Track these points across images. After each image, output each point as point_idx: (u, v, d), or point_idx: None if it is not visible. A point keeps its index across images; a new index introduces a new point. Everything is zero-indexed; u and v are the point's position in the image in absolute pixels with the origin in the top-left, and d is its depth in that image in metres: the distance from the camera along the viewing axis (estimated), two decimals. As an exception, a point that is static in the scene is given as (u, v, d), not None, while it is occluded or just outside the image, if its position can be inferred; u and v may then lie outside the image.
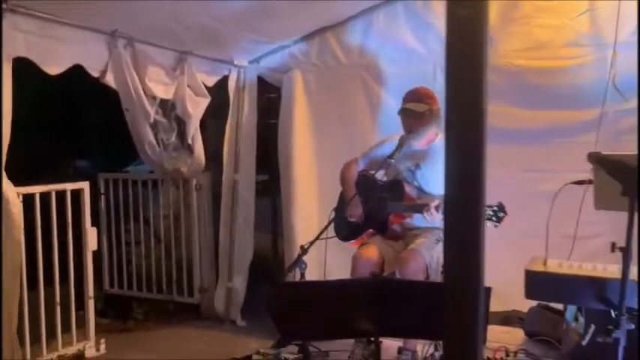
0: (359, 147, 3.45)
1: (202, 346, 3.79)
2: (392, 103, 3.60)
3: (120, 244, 4.65)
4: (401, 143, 2.80)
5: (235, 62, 4.04)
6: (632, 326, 1.54)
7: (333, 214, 2.78)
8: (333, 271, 3.10)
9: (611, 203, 1.59)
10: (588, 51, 3.34)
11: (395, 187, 2.78)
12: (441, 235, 2.73)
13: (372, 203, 2.82)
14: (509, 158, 3.49)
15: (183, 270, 4.45)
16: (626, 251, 1.54)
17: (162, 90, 3.48)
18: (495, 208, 2.37)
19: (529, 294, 1.80)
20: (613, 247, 1.57)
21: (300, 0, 3.43)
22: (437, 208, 2.52)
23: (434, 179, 2.81)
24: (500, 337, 2.94)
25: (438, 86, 3.75)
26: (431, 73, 3.76)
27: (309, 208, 4.01)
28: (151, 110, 3.45)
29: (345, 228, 2.91)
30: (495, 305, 3.26)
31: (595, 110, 3.31)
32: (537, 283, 1.76)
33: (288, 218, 4.03)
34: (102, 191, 4.60)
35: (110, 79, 3.17)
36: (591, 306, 1.66)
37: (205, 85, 3.90)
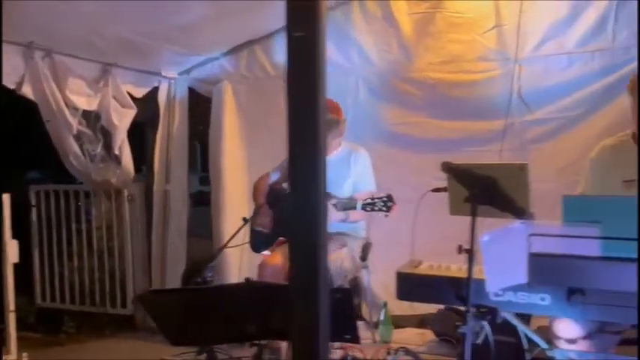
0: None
1: (133, 357, 3.78)
2: None
3: (52, 256, 4.61)
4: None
5: (163, 74, 4.08)
6: (484, 323, 1.67)
7: (243, 223, 2.85)
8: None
9: (463, 209, 1.72)
10: (496, 65, 3.52)
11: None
12: (346, 240, 2.86)
13: (279, 213, 2.92)
14: (423, 167, 3.64)
15: (116, 281, 4.44)
16: (470, 252, 1.67)
17: (85, 101, 3.50)
18: (385, 199, 2.50)
19: (400, 295, 1.91)
20: (460, 249, 1.70)
21: (221, 14, 3.50)
22: (335, 205, 2.62)
23: (343, 185, 2.94)
24: (411, 338, 3.06)
25: (360, 99, 3.91)
26: (353, 86, 3.90)
27: (239, 216, 4.06)
28: (73, 121, 3.46)
29: (257, 239, 2.99)
30: (412, 309, 3.42)
31: (502, 121, 3.50)
32: (406, 284, 1.87)
33: (217, 227, 4.08)
34: (33, 203, 4.55)
35: (27, 91, 3.17)
36: (452, 304, 1.78)
37: (134, 96, 3.93)
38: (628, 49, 3.21)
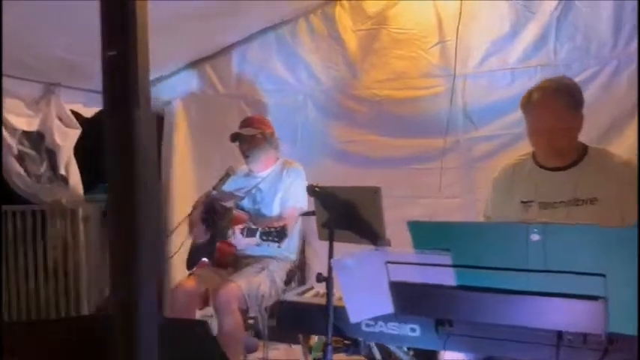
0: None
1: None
2: None
3: (9, 276, 4.56)
4: (227, 173, 2.86)
5: (112, 93, 4.05)
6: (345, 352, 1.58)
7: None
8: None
9: (341, 236, 1.63)
10: (440, 81, 3.45)
11: (222, 211, 2.82)
12: (269, 263, 2.77)
13: (204, 230, 2.86)
14: (371, 184, 3.57)
15: (70, 300, 4.38)
16: (328, 280, 1.59)
17: (24, 122, 3.47)
18: (279, 230, 2.45)
19: (279, 324, 1.82)
20: (318, 277, 1.62)
21: (168, 32, 3.48)
22: (242, 231, 2.56)
23: (273, 202, 2.87)
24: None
25: (309, 117, 3.86)
26: (302, 104, 3.85)
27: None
28: (12, 142, 3.43)
29: (195, 252, 2.92)
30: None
31: (448, 138, 3.42)
32: (284, 312, 1.78)
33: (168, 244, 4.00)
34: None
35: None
36: (322, 333, 1.68)
37: (82, 116, 3.91)
38: (569, 65, 3.13)
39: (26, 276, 4.50)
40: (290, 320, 1.79)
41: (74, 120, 3.79)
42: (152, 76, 4.12)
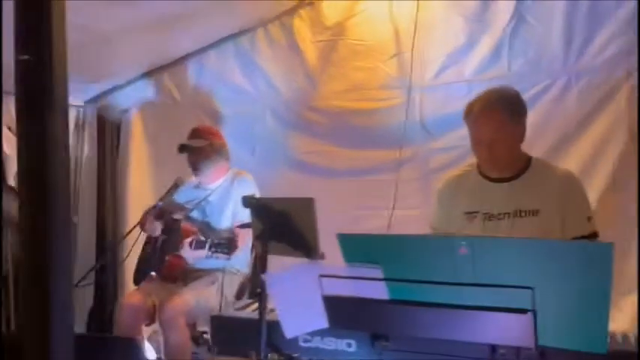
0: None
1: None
2: (228, 143, 3.56)
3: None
4: (175, 184, 2.80)
5: (66, 102, 3.95)
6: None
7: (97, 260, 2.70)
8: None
9: (275, 249, 1.60)
10: (398, 93, 3.45)
11: (172, 226, 2.75)
12: (219, 277, 2.71)
13: (152, 244, 2.78)
14: (332, 195, 3.54)
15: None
16: (261, 296, 1.55)
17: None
18: (224, 241, 2.40)
19: (214, 341, 1.76)
20: (252, 292, 1.57)
21: (123, 38, 3.41)
22: (190, 244, 2.50)
23: (222, 214, 2.81)
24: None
25: (268, 127, 3.82)
26: (260, 113, 3.81)
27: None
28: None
29: (138, 270, 2.84)
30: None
31: (406, 150, 3.41)
32: (219, 328, 1.73)
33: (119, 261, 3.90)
34: None
35: None
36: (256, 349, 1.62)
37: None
38: (522, 77, 3.15)
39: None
40: (224, 336, 1.72)
41: (24, 129, 3.66)
42: (109, 85, 4.04)
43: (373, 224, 3.39)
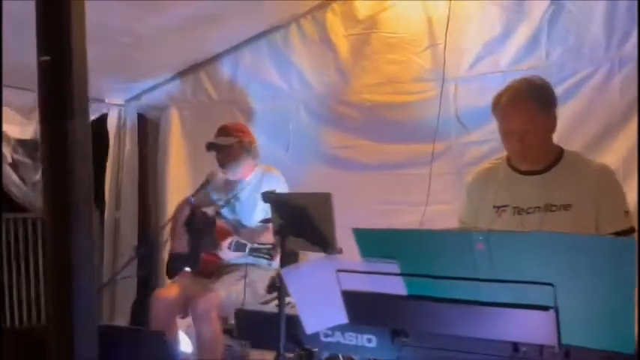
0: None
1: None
2: (262, 139, 3.60)
3: (11, 282, 4.60)
4: (207, 179, 2.83)
5: (107, 101, 4.09)
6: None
7: (133, 253, 2.77)
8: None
9: (294, 244, 1.60)
10: (432, 85, 3.39)
11: (207, 222, 2.79)
12: (250, 271, 2.74)
13: (194, 238, 2.82)
14: (365, 190, 3.54)
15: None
16: (279, 290, 1.55)
17: (18, 130, 3.51)
18: (269, 247, 2.41)
19: (238, 334, 1.78)
20: (270, 288, 1.58)
21: (159, 38, 3.49)
22: (229, 245, 2.53)
23: (253, 211, 2.83)
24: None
25: (302, 122, 3.83)
26: (294, 111, 3.82)
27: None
28: (7, 150, 3.47)
29: (175, 261, 2.89)
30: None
31: (440, 143, 3.35)
32: (243, 322, 1.74)
33: (160, 254, 4.01)
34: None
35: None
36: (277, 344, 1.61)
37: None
38: (562, 67, 3.05)
39: (27, 283, 4.54)
40: (247, 330, 1.75)
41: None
42: (149, 84, 4.13)
43: (406, 219, 3.35)
